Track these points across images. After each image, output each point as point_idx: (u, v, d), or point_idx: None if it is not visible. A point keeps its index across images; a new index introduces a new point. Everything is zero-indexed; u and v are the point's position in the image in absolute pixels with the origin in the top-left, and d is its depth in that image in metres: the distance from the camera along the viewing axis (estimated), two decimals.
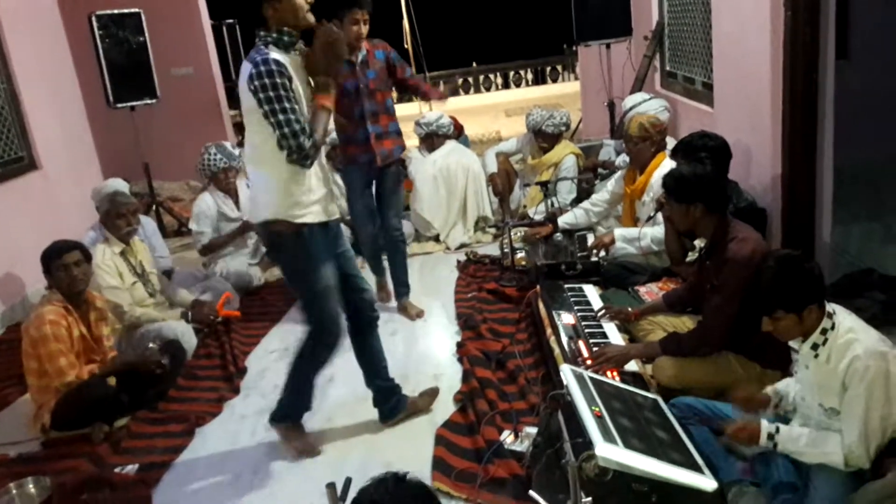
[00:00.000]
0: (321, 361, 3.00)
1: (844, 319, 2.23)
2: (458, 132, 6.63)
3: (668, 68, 6.06)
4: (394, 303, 4.45)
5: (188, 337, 3.91)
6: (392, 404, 3.20)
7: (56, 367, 3.24)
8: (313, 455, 3.04)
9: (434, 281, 4.84)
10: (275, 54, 2.59)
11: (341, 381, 3.62)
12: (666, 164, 3.88)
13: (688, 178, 2.85)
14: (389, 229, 4.22)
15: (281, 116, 2.54)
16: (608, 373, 2.83)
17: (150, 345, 3.50)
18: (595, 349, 3.03)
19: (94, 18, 5.83)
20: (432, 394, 3.33)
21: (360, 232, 4.43)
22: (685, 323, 3.15)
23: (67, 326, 3.30)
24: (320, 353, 2.96)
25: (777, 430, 2.29)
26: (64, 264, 3.34)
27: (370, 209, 4.22)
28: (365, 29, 3.81)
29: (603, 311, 3.39)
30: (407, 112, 10.06)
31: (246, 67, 2.60)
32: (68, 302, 3.36)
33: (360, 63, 3.87)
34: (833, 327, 2.20)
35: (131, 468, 3.04)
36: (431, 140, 5.63)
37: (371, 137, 3.94)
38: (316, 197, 2.77)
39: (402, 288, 4.38)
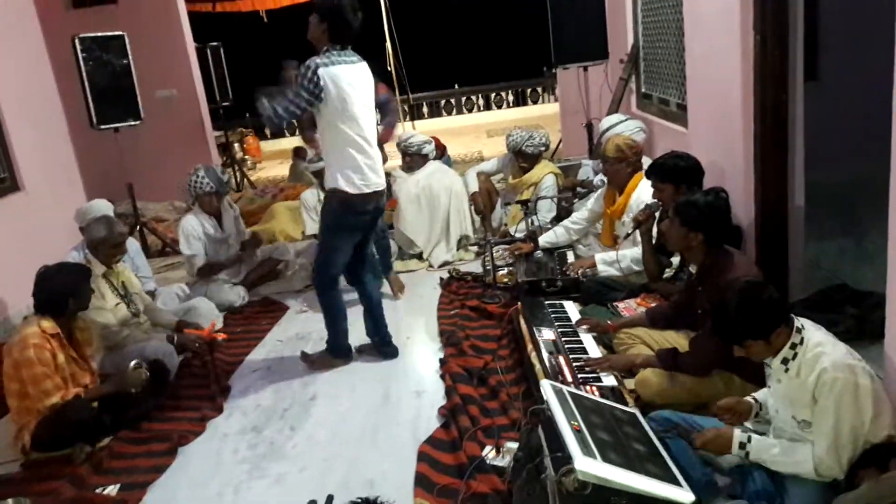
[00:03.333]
0: None
1: (813, 334, 2.28)
2: (440, 152, 6.71)
3: (643, 90, 6.18)
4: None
5: (171, 357, 3.91)
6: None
7: (41, 390, 3.22)
8: None
9: (417, 298, 4.88)
10: None
11: (323, 399, 3.65)
12: (643, 185, 3.96)
13: (700, 206, 2.91)
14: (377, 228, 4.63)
15: None
16: (587, 388, 2.87)
17: (132, 363, 3.48)
18: (577, 364, 3.10)
19: (77, 41, 5.87)
20: None
21: None
22: (666, 338, 3.21)
23: (51, 350, 3.29)
24: None
25: (749, 439, 2.33)
26: (89, 285, 3.45)
27: None
28: None
29: (582, 324, 3.46)
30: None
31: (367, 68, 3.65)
32: (61, 326, 3.36)
33: None
34: (802, 342, 2.25)
35: (112, 488, 3.03)
36: (412, 159, 5.70)
37: None
38: None
39: (387, 270, 4.96)
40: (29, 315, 3.45)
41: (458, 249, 5.60)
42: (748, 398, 2.55)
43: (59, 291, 3.35)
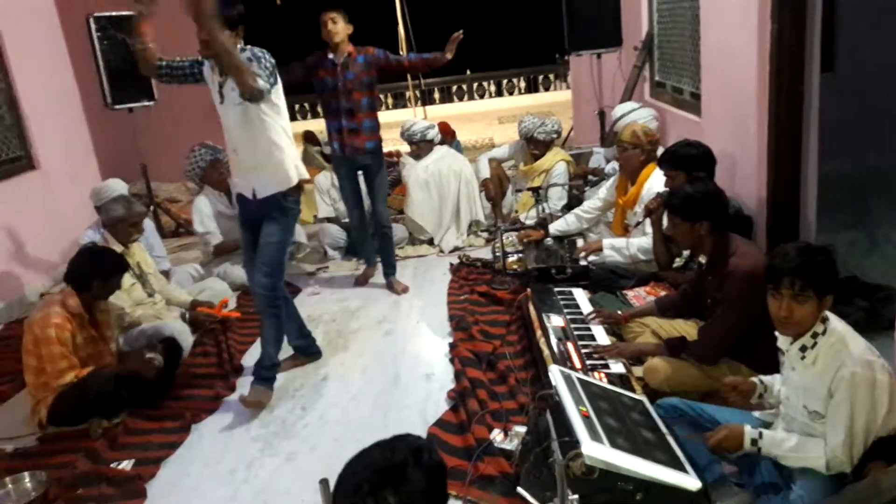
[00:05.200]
0: None
1: (837, 326, 2.24)
2: (450, 138, 6.71)
3: (657, 78, 6.15)
4: (383, 291, 4.86)
5: (185, 335, 3.95)
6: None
7: (57, 369, 3.27)
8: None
9: (427, 283, 4.91)
10: None
11: (334, 380, 3.69)
12: (656, 175, 3.96)
13: (694, 196, 2.90)
14: (377, 216, 4.80)
15: None
16: (596, 374, 2.90)
17: (149, 355, 3.49)
18: (585, 350, 3.12)
19: (91, 20, 5.88)
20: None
21: (348, 213, 5.01)
22: (675, 327, 3.23)
23: (71, 330, 3.33)
24: None
25: (760, 435, 2.30)
26: (119, 280, 3.51)
27: (355, 193, 4.84)
28: (335, 27, 4.42)
29: (593, 315, 3.47)
30: (401, 118, 10.14)
31: None
32: (84, 304, 3.40)
33: (341, 64, 4.46)
34: (825, 332, 2.22)
35: (127, 463, 3.09)
36: (419, 146, 5.69)
37: (343, 131, 4.55)
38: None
39: (389, 269, 4.88)
40: (52, 290, 3.48)
41: (468, 235, 5.62)
42: (754, 378, 2.54)
43: (89, 271, 3.40)
